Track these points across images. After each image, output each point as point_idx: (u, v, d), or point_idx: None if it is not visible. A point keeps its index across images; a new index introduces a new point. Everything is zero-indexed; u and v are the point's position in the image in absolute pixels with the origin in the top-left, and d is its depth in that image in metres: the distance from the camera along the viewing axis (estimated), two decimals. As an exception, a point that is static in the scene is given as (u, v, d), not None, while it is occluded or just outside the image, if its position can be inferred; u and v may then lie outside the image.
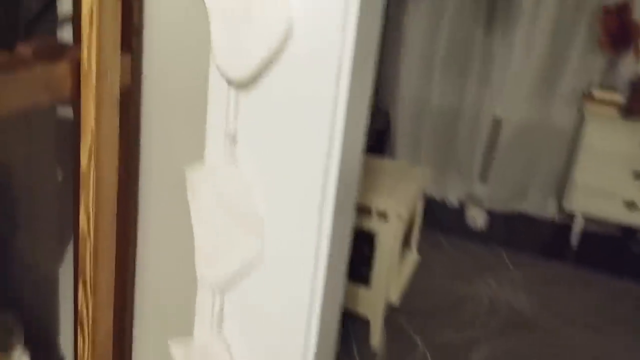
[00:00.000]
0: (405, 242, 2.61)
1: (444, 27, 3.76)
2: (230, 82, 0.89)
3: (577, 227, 3.48)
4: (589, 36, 3.54)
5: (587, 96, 3.45)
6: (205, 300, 1.00)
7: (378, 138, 3.92)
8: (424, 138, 3.96)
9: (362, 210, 2.22)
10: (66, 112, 1.16)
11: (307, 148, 0.86)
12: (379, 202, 2.23)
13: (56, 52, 0.90)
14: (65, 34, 1.08)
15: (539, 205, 3.78)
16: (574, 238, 3.50)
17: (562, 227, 3.64)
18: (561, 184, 3.65)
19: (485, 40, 3.71)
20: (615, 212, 3.31)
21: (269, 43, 0.82)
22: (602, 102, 3.39)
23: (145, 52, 0.99)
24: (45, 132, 1.21)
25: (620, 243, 3.57)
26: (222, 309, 0.99)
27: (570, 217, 3.53)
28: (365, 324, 2.37)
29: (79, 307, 0.97)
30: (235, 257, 0.94)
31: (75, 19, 1.00)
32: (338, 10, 0.79)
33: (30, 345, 1.18)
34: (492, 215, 3.73)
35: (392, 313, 2.55)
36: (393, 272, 2.36)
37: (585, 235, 3.53)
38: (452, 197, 3.93)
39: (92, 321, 0.96)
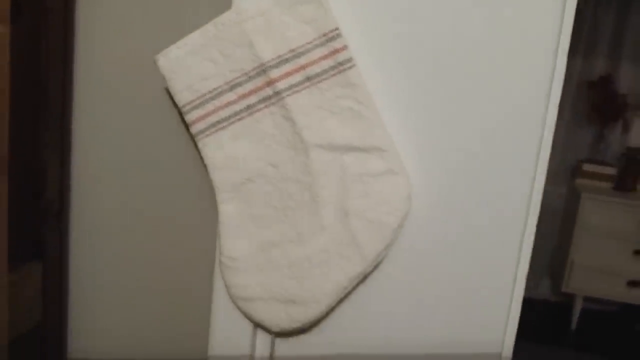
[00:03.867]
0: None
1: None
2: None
3: (577, 308, 3.28)
4: (575, 110, 3.46)
5: (577, 171, 3.33)
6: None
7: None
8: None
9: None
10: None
11: None
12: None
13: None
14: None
15: (533, 286, 3.59)
16: (574, 320, 3.29)
17: (559, 308, 3.44)
18: (555, 263, 3.47)
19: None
20: (616, 292, 3.12)
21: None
22: (593, 175, 3.27)
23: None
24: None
25: (621, 322, 3.37)
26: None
27: (567, 297, 3.34)
28: None
29: None
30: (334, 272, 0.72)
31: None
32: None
33: None
34: (486, 299, 3.52)
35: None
36: None
37: (584, 315, 3.32)
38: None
39: None
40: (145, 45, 0.83)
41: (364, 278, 0.71)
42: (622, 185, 3.20)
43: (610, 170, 3.26)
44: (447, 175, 0.72)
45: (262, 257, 0.70)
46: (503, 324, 0.79)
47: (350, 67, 0.67)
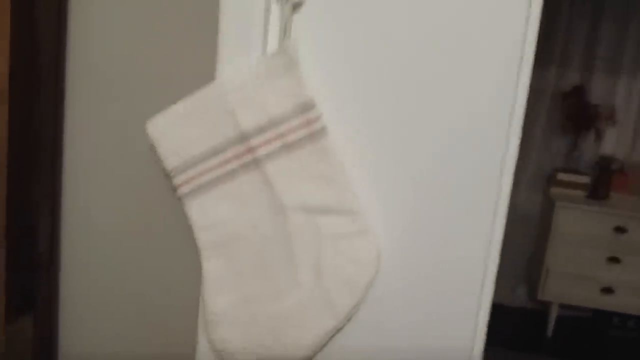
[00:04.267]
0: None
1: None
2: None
3: (553, 315, 3.36)
4: (549, 120, 3.54)
5: (552, 179, 3.41)
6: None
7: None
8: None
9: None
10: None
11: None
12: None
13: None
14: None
15: (509, 293, 3.66)
16: (550, 327, 3.37)
17: (535, 315, 3.52)
18: (531, 271, 3.55)
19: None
20: (591, 298, 3.21)
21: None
22: (568, 184, 3.35)
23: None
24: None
25: (596, 328, 3.45)
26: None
27: (543, 304, 3.42)
28: None
29: None
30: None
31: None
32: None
33: None
34: (464, 306, 3.58)
35: None
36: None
37: (560, 322, 3.41)
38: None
39: None
40: (131, 109, 0.88)
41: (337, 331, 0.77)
42: (595, 193, 3.28)
43: (584, 179, 3.34)
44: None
45: (243, 312, 0.75)
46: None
47: (323, 136, 0.73)
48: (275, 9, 0.73)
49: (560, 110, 3.50)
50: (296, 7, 0.72)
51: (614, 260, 3.14)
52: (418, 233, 0.77)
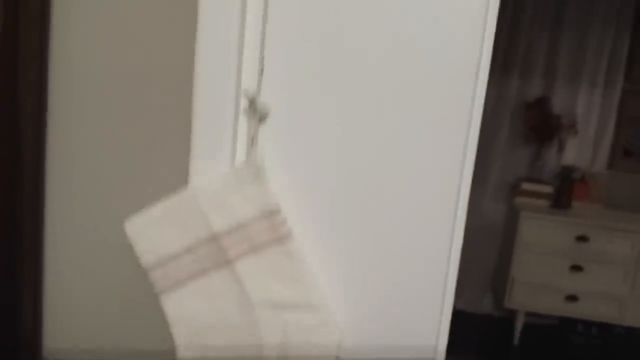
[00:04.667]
0: None
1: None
2: None
3: (519, 323, 3.46)
4: (513, 130, 3.63)
5: (516, 189, 3.51)
6: None
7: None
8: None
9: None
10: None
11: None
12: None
13: None
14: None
15: (476, 301, 3.75)
16: (516, 335, 3.48)
17: (502, 323, 3.61)
18: (497, 280, 3.65)
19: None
20: (556, 306, 3.32)
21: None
22: (532, 194, 3.45)
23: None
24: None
25: (560, 334, 3.57)
26: None
27: (510, 312, 3.52)
28: None
29: None
30: None
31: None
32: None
33: None
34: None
35: None
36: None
37: (526, 329, 3.51)
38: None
39: None
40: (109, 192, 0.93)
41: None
42: (558, 202, 3.38)
43: (547, 189, 3.44)
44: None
45: None
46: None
47: (289, 239, 0.79)
48: (243, 121, 0.78)
49: (524, 120, 3.59)
50: (262, 118, 0.78)
51: (577, 268, 3.24)
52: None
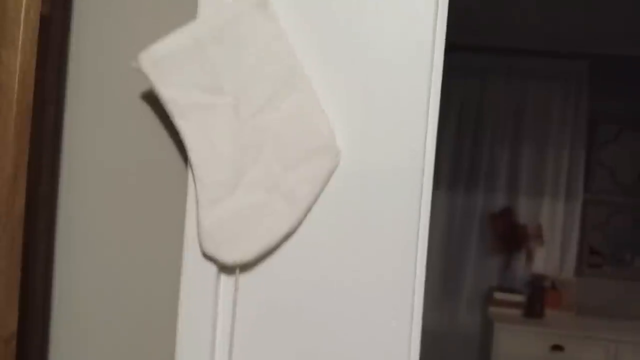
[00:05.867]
0: None
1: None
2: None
3: None
4: (481, 240, 3.69)
5: (489, 299, 3.51)
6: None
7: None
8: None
9: None
10: None
11: None
12: None
13: None
14: None
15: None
16: None
17: None
18: (476, 391, 3.58)
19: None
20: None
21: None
22: (504, 303, 3.45)
23: None
24: None
25: None
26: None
27: None
28: None
29: None
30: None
31: None
32: None
33: None
34: None
35: None
36: None
37: None
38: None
39: None
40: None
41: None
42: (531, 311, 3.38)
43: (519, 298, 3.45)
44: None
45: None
46: None
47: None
48: None
49: (491, 230, 3.66)
50: None
51: (554, 378, 3.21)
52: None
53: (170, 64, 0.75)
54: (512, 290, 3.53)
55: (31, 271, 0.83)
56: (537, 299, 3.41)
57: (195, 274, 0.80)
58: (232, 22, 0.76)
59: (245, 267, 0.79)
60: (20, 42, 0.68)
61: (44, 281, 0.87)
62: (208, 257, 0.79)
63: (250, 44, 0.76)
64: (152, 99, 0.83)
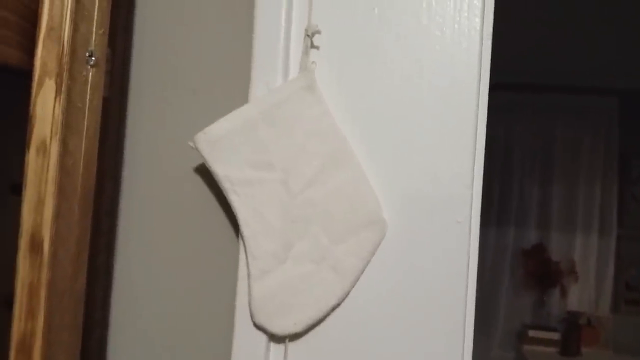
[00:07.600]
0: None
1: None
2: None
3: None
4: (513, 277, 3.66)
5: (523, 337, 3.47)
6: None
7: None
8: None
9: None
10: None
11: None
12: None
13: None
14: None
15: None
16: None
17: None
18: None
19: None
20: None
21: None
22: (539, 341, 3.41)
23: None
24: None
25: None
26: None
27: None
28: None
29: None
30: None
31: None
32: None
33: None
34: None
35: None
36: None
37: None
38: None
39: None
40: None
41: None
42: (567, 350, 3.34)
43: (555, 335, 3.41)
44: None
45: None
46: None
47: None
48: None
49: (523, 267, 3.63)
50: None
51: (592, 420, 3.15)
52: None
53: (224, 143, 0.79)
54: (546, 328, 3.48)
55: (87, 339, 0.86)
56: (573, 336, 3.36)
57: (246, 342, 0.82)
58: (282, 104, 0.80)
59: (295, 335, 0.82)
60: (85, 130, 0.72)
61: (99, 347, 0.91)
62: (259, 327, 0.81)
63: (299, 124, 0.80)
64: (204, 175, 0.87)
